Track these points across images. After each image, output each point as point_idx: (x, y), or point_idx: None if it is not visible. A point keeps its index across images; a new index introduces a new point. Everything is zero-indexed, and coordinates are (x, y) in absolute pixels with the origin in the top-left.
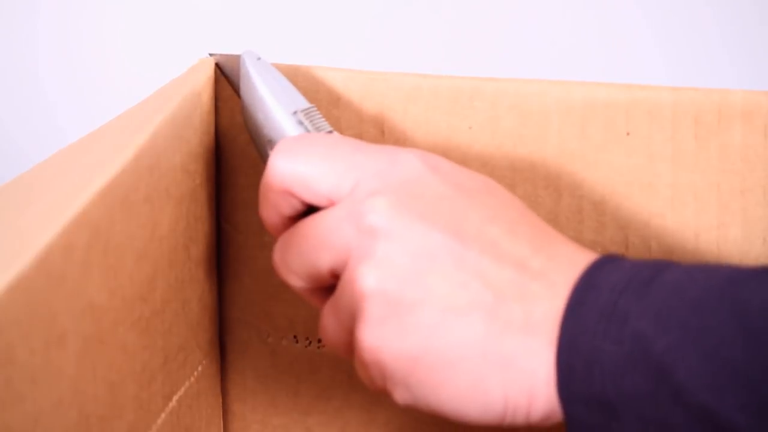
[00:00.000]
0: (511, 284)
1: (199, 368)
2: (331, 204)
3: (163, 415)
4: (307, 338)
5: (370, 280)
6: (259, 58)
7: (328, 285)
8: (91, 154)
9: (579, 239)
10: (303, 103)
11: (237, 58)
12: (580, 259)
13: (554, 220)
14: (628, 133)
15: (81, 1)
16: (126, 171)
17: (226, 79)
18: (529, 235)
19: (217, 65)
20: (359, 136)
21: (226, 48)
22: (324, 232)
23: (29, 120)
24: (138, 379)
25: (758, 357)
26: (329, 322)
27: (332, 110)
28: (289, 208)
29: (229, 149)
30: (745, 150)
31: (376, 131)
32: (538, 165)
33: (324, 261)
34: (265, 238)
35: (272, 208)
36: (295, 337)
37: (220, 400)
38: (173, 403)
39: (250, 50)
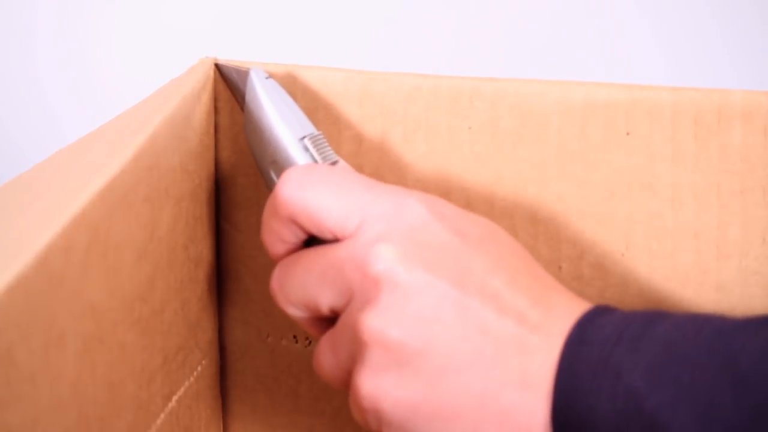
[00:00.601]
0: (510, 337)
1: (199, 368)
2: (336, 239)
3: (162, 416)
4: (306, 338)
5: (372, 328)
6: (267, 77)
7: (326, 317)
8: (90, 155)
9: (580, 239)
10: (310, 128)
11: (244, 72)
12: (575, 309)
13: (555, 221)
14: (627, 133)
15: (80, 2)
16: (125, 171)
17: (229, 88)
18: (529, 284)
19: (219, 71)
20: (359, 136)
21: (227, 48)
22: (327, 269)
23: (29, 120)
24: (137, 380)
25: (749, 411)
26: (326, 357)
27: (332, 110)
28: (292, 236)
29: (229, 149)
30: (744, 150)
31: (376, 131)
32: (538, 165)
33: (324, 297)
34: None
35: (275, 235)
36: (294, 337)
37: (220, 401)
38: (173, 403)
39: (258, 68)
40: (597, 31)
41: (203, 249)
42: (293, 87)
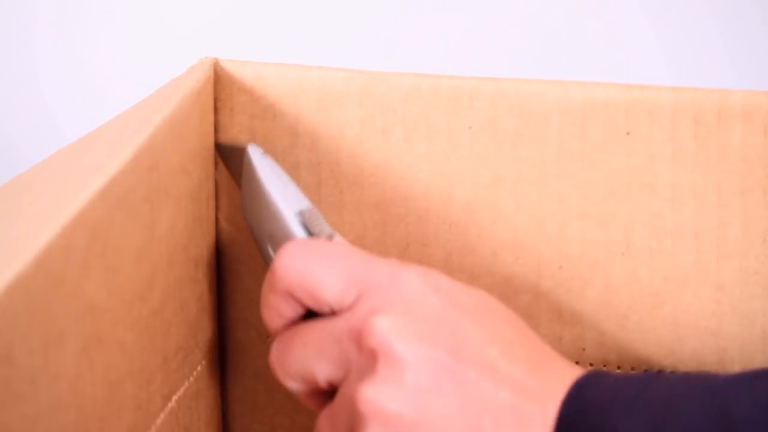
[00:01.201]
0: (507, 406)
1: (199, 368)
2: (333, 313)
3: (162, 416)
4: None
5: (369, 401)
6: (263, 153)
7: (324, 391)
8: (90, 155)
9: (580, 239)
10: (306, 203)
11: (241, 149)
12: (570, 376)
13: (555, 220)
14: (628, 133)
15: (80, 2)
16: (125, 171)
17: (226, 166)
18: (524, 353)
19: (217, 150)
20: (359, 136)
21: (227, 49)
22: (324, 342)
23: (28, 120)
24: (137, 380)
25: None
26: (325, 431)
27: (333, 110)
28: (290, 310)
29: None
30: (744, 150)
31: (377, 131)
32: (538, 165)
33: (322, 371)
34: None
35: (273, 310)
36: None
37: (220, 401)
38: (172, 403)
39: (254, 145)
40: (597, 31)
41: (203, 249)
42: (294, 87)
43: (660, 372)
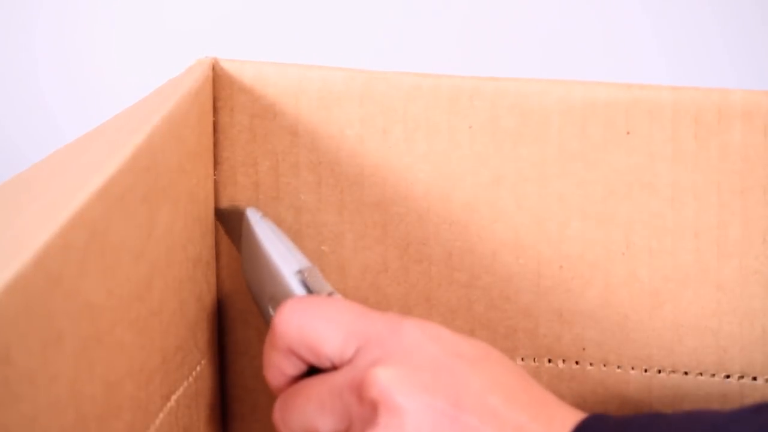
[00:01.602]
0: None
1: (198, 368)
2: (334, 367)
3: (161, 415)
4: None
5: None
6: (261, 216)
7: None
8: (88, 154)
9: (580, 239)
10: (305, 262)
11: (239, 213)
12: (572, 421)
13: (556, 220)
14: (628, 133)
15: (78, 1)
16: (123, 171)
17: (225, 230)
18: (527, 401)
19: (216, 214)
20: (360, 135)
21: (226, 48)
22: (326, 396)
23: (27, 120)
24: (136, 379)
25: None
26: None
27: (333, 110)
28: (292, 367)
29: (229, 148)
30: (745, 149)
31: (377, 131)
32: (539, 164)
33: (325, 425)
34: None
35: (275, 368)
36: None
37: (219, 400)
38: (171, 403)
39: (252, 208)
40: (597, 31)
41: (202, 249)
42: (294, 87)
43: (661, 413)
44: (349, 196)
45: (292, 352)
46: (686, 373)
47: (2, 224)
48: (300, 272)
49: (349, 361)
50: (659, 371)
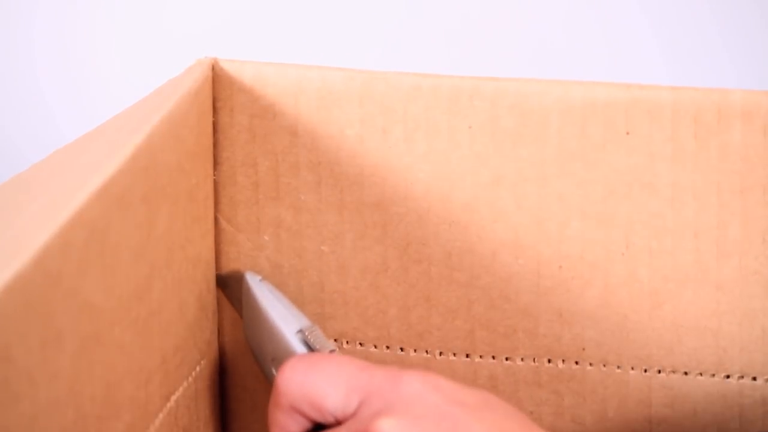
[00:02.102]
0: None
1: (198, 368)
2: (338, 423)
3: (161, 416)
4: None
5: None
6: (260, 279)
7: None
8: (87, 154)
9: (580, 239)
10: (305, 322)
11: (239, 277)
12: None
13: (555, 220)
14: (627, 133)
15: (78, 1)
16: (122, 171)
17: (226, 295)
18: None
19: (217, 281)
20: (360, 136)
21: (226, 48)
22: None
23: (26, 120)
24: (135, 379)
25: None
26: None
27: (333, 110)
28: (296, 426)
29: (229, 148)
30: (744, 149)
31: (377, 131)
32: (538, 164)
33: None
34: (265, 238)
35: (280, 427)
36: None
37: (219, 400)
38: (171, 403)
39: (251, 272)
40: (597, 31)
41: (201, 249)
42: (294, 87)
43: None
44: (349, 196)
45: (296, 410)
46: (686, 373)
47: (2, 224)
48: (301, 331)
49: (352, 416)
50: (659, 371)
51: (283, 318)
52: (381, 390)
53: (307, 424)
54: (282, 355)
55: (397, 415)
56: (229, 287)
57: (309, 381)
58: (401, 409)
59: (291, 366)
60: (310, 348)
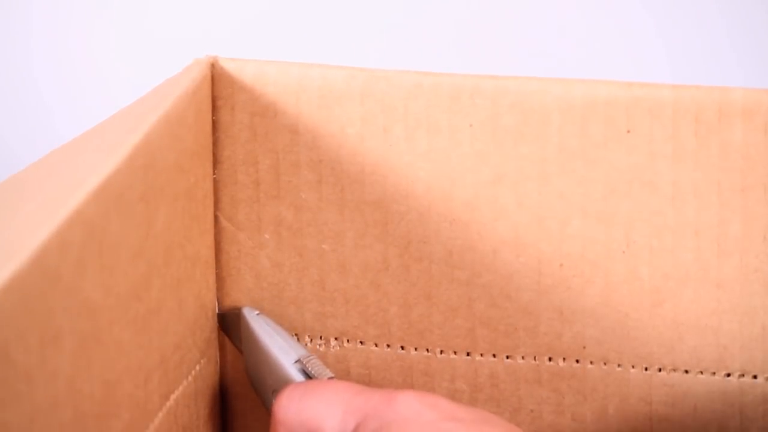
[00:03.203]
0: None
1: (197, 367)
2: None
3: (160, 415)
4: (307, 336)
5: None
6: (258, 313)
7: None
8: (85, 153)
9: (581, 237)
10: (303, 351)
11: (237, 313)
12: None
13: (556, 218)
14: (628, 131)
15: (76, 1)
16: (120, 170)
17: (227, 335)
18: None
19: (218, 320)
20: (360, 134)
21: (226, 48)
22: None
23: (24, 119)
24: (134, 378)
25: None
26: None
27: (334, 108)
28: None
29: (229, 146)
30: (745, 148)
31: (378, 129)
32: (539, 163)
33: None
34: (265, 236)
35: None
36: (295, 335)
37: (219, 399)
38: (171, 402)
39: (248, 307)
40: (597, 29)
41: (200, 248)
42: (294, 85)
43: None
44: (350, 195)
45: None
46: (686, 372)
47: (0, 223)
48: (299, 361)
49: None
50: (659, 369)
51: (281, 349)
52: (377, 411)
53: None
54: (281, 386)
55: None
56: (229, 325)
57: (305, 407)
58: (397, 428)
59: (287, 394)
60: (309, 376)
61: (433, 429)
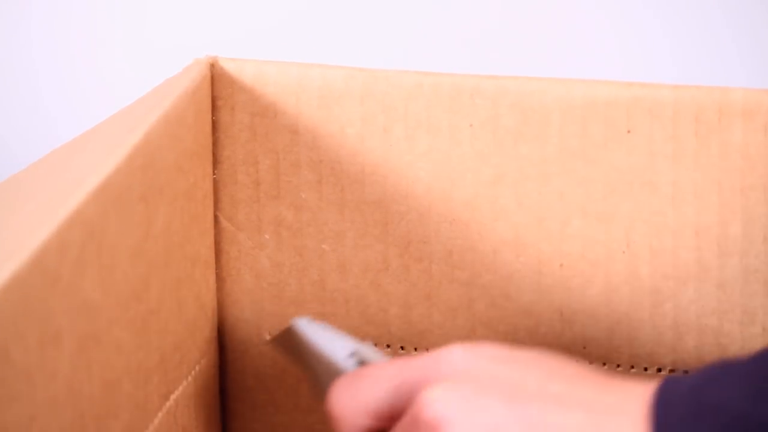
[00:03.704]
0: (583, 425)
1: (197, 368)
2: (396, 420)
3: (160, 415)
4: None
5: None
6: (309, 320)
7: None
8: (85, 154)
9: (581, 237)
10: (356, 344)
11: (287, 329)
12: (645, 387)
13: (556, 218)
14: (628, 131)
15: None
16: (120, 170)
17: (285, 355)
18: (591, 381)
19: (274, 348)
20: (361, 134)
21: (226, 48)
22: None
23: (23, 120)
24: (134, 379)
25: None
26: None
27: (334, 108)
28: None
29: (229, 147)
30: (745, 148)
31: (378, 129)
32: (539, 163)
33: None
34: (266, 236)
35: None
36: None
37: (219, 400)
38: (170, 402)
39: (296, 318)
40: (597, 29)
41: (200, 248)
42: (294, 85)
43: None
44: (350, 195)
45: (355, 426)
46: (686, 372)
47: (0, 223)
48: (353, 354)
49: (406, 408)
50: (659, 369)
51: (334, 347)
52: (425, 372)
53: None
54: None
55: (441, 382)
56: (284, 344)
57: (357, 395)
58: (446, 377)
59: (338, 387)
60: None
61: (485, 374)
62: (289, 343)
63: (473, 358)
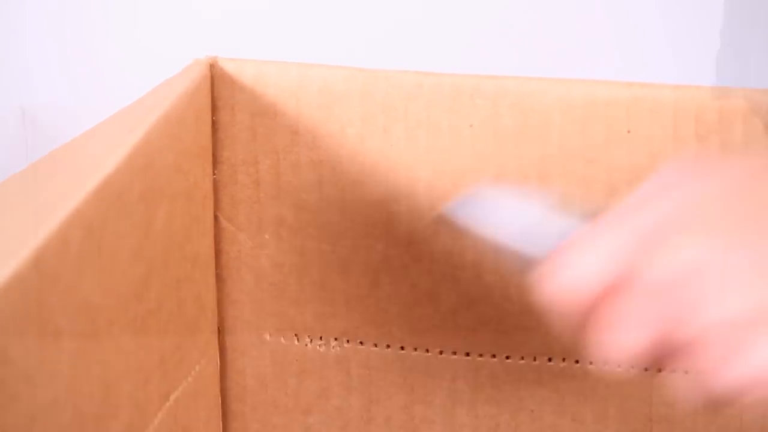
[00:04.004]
0: None
1: (197, 368)
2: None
3: (160, 415)
4: (308, 336)
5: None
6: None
7: None
8: (85, 154)
9: None
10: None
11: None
12: None
13: None
14: (629, 131)
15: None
16: (120, 170)
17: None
18: None
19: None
20: (361, 134)
21: (226, 48)
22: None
23: (23, 119)
24: (133, 379)
25: None
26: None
27: (334, 108)
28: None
29: (229, 147)
30: (745, 148)
31: (378, 129)
32: (540, 163)
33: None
34: (266, 236)
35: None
36: (296, 335)
37: (219, 400)
38: (170, 402)
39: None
40: (597, 29)
41: (200, 248)
42: (295, 86)
43: None
44: (350, 195)
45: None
46: (686, 372)
47: (0, 223)
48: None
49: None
50: (659, 370)
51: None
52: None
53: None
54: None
55: (672, 227)
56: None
57: (578, 270)
58: (673, 219)
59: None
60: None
61: (715, 203)
62: (473, 212)
63: (691, 182)
